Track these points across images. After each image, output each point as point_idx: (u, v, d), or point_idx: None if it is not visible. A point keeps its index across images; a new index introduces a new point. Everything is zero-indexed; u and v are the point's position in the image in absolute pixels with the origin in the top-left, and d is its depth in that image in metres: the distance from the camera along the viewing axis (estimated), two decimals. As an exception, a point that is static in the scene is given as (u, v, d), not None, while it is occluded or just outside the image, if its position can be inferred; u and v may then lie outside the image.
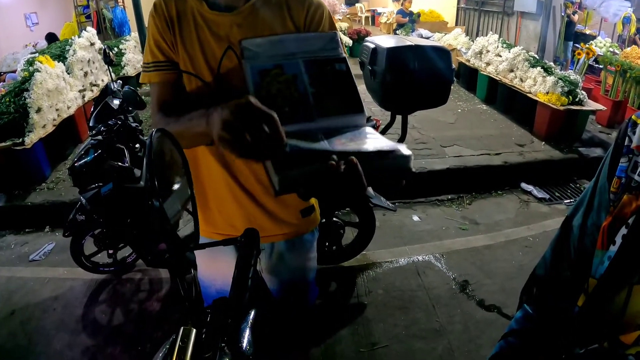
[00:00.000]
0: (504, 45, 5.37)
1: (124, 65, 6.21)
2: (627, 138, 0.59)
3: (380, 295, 2.55)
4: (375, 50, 1.71)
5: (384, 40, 1.69)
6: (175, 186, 0.74)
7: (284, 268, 1.30)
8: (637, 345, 0.52)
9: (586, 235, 0.65)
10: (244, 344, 0.78)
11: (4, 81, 5.93)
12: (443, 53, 1.65)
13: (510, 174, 3.86)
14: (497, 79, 5.18)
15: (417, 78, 1.64)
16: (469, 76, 6.09)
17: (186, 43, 1.05)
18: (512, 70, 5.00)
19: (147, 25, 1.11)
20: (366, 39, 1.90)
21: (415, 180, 3.63)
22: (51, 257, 3.18)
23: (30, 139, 3.72)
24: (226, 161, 1.12)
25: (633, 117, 0.60)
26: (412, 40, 1.67)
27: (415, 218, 3.36)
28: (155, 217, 0.59)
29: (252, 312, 0.96)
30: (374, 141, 0.78)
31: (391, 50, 1.62)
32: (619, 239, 0.55)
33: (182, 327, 0.64)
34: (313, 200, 1.27)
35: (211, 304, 0.76)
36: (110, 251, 2.69)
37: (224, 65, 1.04)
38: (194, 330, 0.64)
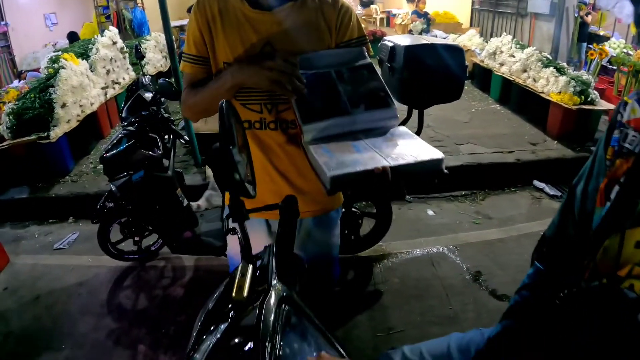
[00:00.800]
0: (518, 46, 5.41)
1: (145, 64, 6.36)
2: (619, 114, 0.69)
3: (396, 284, 2.62)
4: (394, 49, 1.79)
5: (401, 39, 1.78)
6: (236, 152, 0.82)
7: (311, 244, 1.38)
8: (629, 278, 0.59)
9: (588, 198, 0.75)
10: (290, 282, 0.87)
11: (25, 79, 6.10)
12: (456, 51, 1.73)
13: (523, 171, 3.90)
14: (511, 79, 5.22)
15: (433, 74, 1.72)
16: (483, 76, 6.13)
17: (229, 38, 1.16)
18: (525, 71, 5.04)
19: (188, 20, 1.23)
20: (384, 38, 1.98)
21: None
22: (75, 246, 3.29)
23: (55, 133, 3.84)
24: (264, 145, 1.24)
25: (625, 97, 0.70)
26: (427, 39, 1.75)
27: (430, 212, 3.43)
28: (227, 163, 0.68)
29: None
30: (412, 147, 0.92)
31: (409, 48, 1.70)
32: (613, 195, 0.65)
33: (241, 263, 0.73)
34: None
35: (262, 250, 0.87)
36: (136, 238, 2.78)
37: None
38: (251, 266, 0.73)
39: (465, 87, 6.85)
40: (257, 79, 1.07)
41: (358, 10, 9.12)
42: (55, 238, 3.43)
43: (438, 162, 0.91)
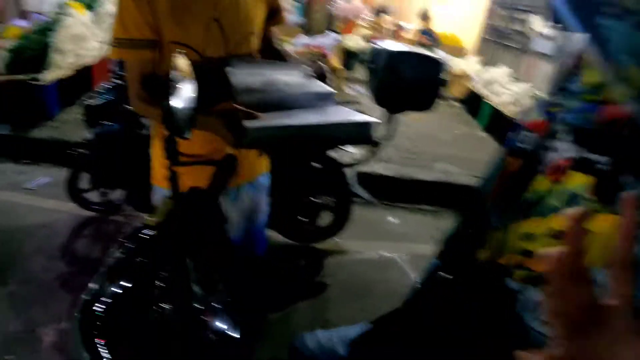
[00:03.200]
0: (513, 80, 5.56)
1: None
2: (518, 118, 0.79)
3: (343, 281, 2.72)
4: (378, 51, 1.89)
5: (389, 44, 1.87)
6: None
7: (241, 211, 1.46)
8: (520, 269, 0.66)
9: (483, 196, 0.84)
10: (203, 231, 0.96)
11: (30, 20, 6.08)
12: (436, 64, 1.83)
13: (491, 199, 4.02)
14: (500, 109, 5.36)
15: (409, 81, 1.82)
16: (475, 103, 6.27)
17: (175, 15, 1.12)
18: (515, 104, 5.18)
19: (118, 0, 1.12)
20: (376, 42, 2.08)
21: (399, 185, 3.81)
22: (45, 189, 3.34)
23: (47, 77, 3.88)
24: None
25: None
26: (413, 48, 1.86)
27: (392, 220, 3.53)
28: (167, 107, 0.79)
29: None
30: (342, 113, 0.96)
31: (391, 52, 1.80)
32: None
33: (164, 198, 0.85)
34: None
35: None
36: (104, 190, 2.84)
37: (207, 36, 1.18)
38: (171, 202, 0.85)
39: (456, 111, 6.94)
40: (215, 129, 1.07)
41: (368, 15, 9.16)
42: (26, 178, 3.47)
43: (366, 125, 0.90)
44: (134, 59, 1.15)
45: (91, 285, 0.83)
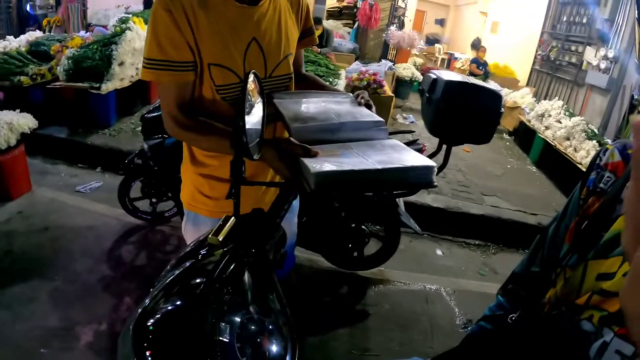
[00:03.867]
0: (567, 113, 5.36)
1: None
2: (598, 158, 0.73)
3: (385, 310, 2.62)
4: (435, 80, 1.84)
5: (446, 74, 1.83)
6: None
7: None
8: (589, 308, 0.60)
9: (558, 236, 0.77)
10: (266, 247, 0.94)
11: (92, 32, 6.43)
12: (495, 96, 1.76)
13: (542, 236, 3.84)
14: (552, 143, 5.16)
15: (467, 112, 1.76)
16: (526, 136, 6.08)
17: (214, 36, 1.05)
18: (568, 139, 4.97)
19: (153, 18, 1.02)
20: (430, 70, 2.04)
21: (447, 217, 3.68)
22: (96, 194, 3.43)
23: (107, 86, 4.04)
24: None
25: (608, 145, 0.73)
26: (471, 79, 1.80)
27: (439, 252, 3.41)
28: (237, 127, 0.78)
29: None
30: (401, 155, 0.93)
31: (449, 82, 1.75)
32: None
33: (225, 215, 0.85)
34: None
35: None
36: (153, 200, 2.89)
37: (248, 57, 1.11)
38: (233, 219, 0.84)
39: (507, 144, 6.82)
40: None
41: (421, 44, 9.16)
42: (79, 181, 3.59)
43: (428, 170, 0.87)
44: (171, 82, 1.05)
45: (147, 299, 0.79)
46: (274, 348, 0.79)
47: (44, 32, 7.03)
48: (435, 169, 0.88)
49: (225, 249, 0.84)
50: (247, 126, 0.80)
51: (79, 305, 2.28)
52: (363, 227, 2.69)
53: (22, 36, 5.54)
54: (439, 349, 2.36)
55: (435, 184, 0.89)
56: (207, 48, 1.05)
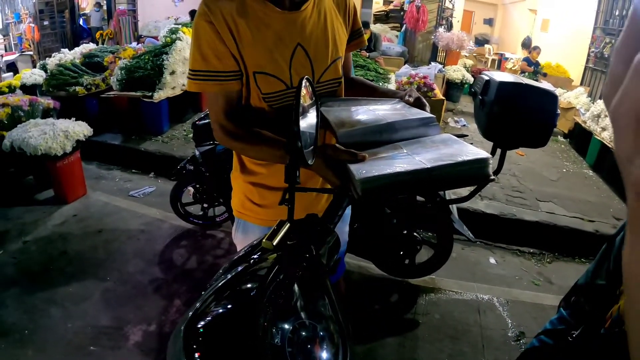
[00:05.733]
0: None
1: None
2: None
3: (436, 320, 2.54)
4: (488, 82, 1.78)
5: (499, 75, 1.76)
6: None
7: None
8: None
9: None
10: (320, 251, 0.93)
11: (144, 43, 6.71)
12: (551, 96, 1.68)
13: (599, 244, 3.61)
14: (610, 146, 4.87)
15: (522, 114, 1.69)
16: (582, 138, 5.76)
17: (257, 44, 1.04)
18: (629, 142, 4.68)
19: (195, 30, 1.03)
20: (482, 71, 1.97)
21: (501, 224, 3.54)
22: (148, 198, 3.56)
23: (159, 95, 4.19)
24: None
25: None
26: (525, 80, 1.72)
27: (492, 261, 3.28)
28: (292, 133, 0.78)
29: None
30: (453, 149, 0.87)
31: (502, 84, 1.69)
32: None
33: (280, 220, 0.85)
34: None
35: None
36: (205, 205, 2.95)
37: (294, 63, 1.09)
38: (288, 224, 0.84)
39: (562, 146, 6.50)
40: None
41: (470, 45, 8.90)
42: (133, 186, 3.73)
43: (483, 162, 0.80)
44: (217, 92, 1.06)
45: (199, 302, 0.80)
46: (325, 355, 0.78)
47: (97, 45, 7.40)
48: (491, 161, 0.83)
49: (278, 254, 0.83)
50: (301, 131, 0.79)
51: (130, 306, 2.36)
52: (415, 234, 2.63)
53: (76, 49, 5.86)
54: (492, 363, 2.28)
55: (493, 177, 0.83)
56: (251, 57, 1.04)
